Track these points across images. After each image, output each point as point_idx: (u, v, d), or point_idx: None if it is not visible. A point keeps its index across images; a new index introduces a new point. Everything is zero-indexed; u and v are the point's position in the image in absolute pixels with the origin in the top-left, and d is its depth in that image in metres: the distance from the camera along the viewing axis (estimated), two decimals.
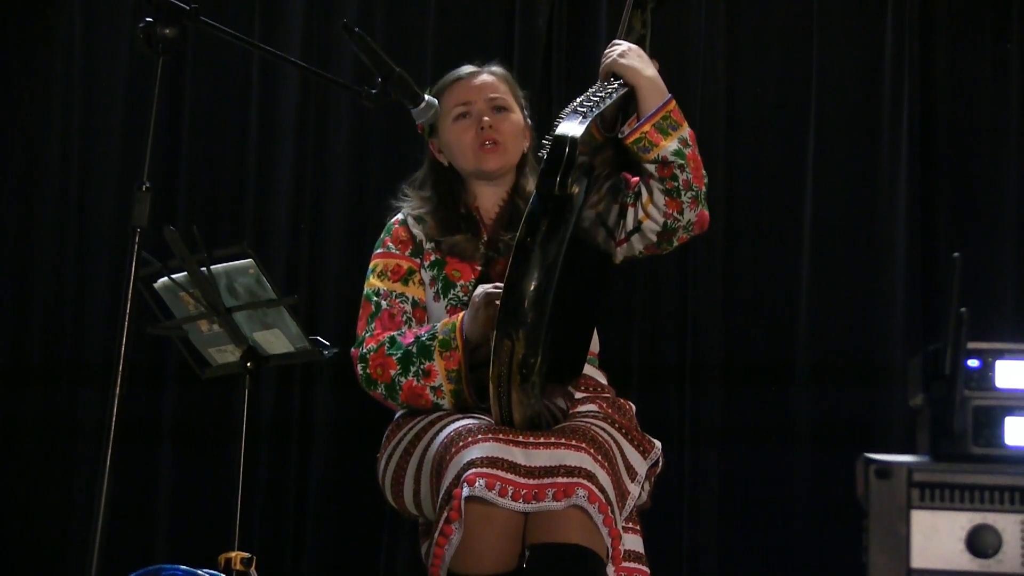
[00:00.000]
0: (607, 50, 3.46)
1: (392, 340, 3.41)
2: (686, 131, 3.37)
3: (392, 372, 3.37)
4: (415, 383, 3.35)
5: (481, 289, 3.33)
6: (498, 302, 3.14)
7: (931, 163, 5.24)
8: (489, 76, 3.69)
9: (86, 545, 2.63)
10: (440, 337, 3.35)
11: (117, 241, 5.29)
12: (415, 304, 3.54)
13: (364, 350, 3.44)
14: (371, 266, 3.61)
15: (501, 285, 3.21)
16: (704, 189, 3.39)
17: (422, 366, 3.35)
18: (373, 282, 3.57)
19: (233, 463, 3.69)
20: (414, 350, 3.37)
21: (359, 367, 3.44)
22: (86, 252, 5.36)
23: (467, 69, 3.71)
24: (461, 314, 3.37)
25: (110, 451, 2.66)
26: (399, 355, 3.38)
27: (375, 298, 3.54)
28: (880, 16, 5.29)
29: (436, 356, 3.34)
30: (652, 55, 3.48)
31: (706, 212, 3.43)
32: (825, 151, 5.26)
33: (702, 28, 5.33)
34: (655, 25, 3.55)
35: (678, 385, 5.17)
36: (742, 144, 5.32)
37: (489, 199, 3.66)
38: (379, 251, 3.63)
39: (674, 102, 3.38)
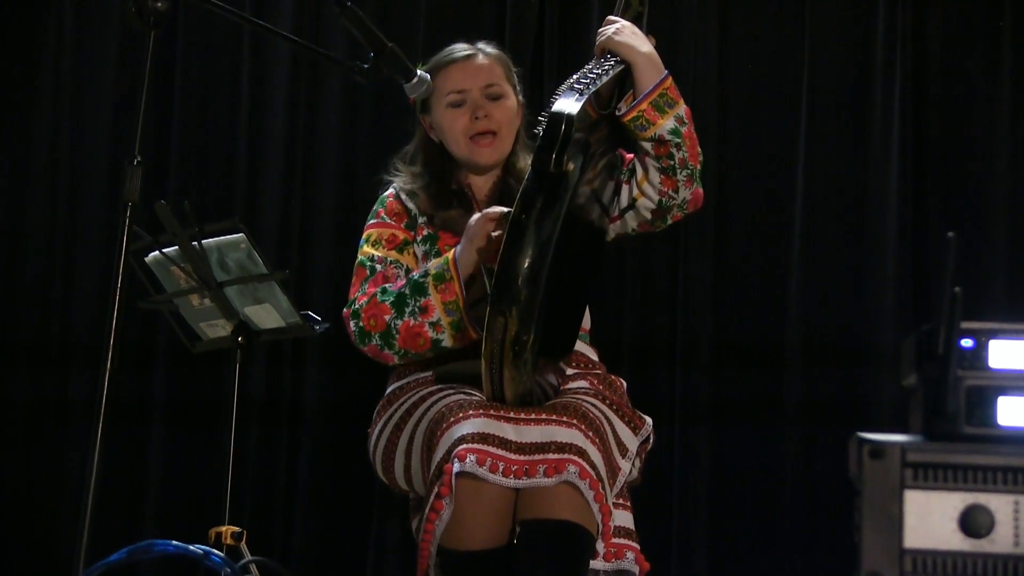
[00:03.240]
0: (602, 27, 3.45)
1: (383, 289, 3.40)
2: (682, 109, 3.36)
3: (387, 317, 3.36)
4: (412, 322, 3.33)
5: (476, 217, 3.33)
6: (497, 226, 3.18)
7: (923, 143, 5.25)
8: (484, 59, 3.66)
9: (77, 522, 2.63)
10: (433, 272, 3.34)
11: (107, 216, 5.28)
12: (408, 272, 3.52)
13: (356, 306, 3.42)
14: (365, 235, 3.60)
15: (499, 208, 3.21)
16: (699, 167, 3.39)
17: (418, 303, 3.33)
18: (367, 250, 3.56)
19: (224, 441, 3.68)
20: (407, 291, 3.35)
21: (351, 324, 3.42)
22: (76, 228, 5.35)
23: (462, 51, 3.67)
24: (453, 249, 3.37)
25: (101, 426, 2.66)
26: (392, 299, 3.36)
27: (369, 263, 3.52)
28: None
29: (431, 290, 3.32)
30: (648, 31, 3.47)
31: (700, 190, 3.43)
32: (817, 131, 5.26)
33: (694, 8, 5.32)
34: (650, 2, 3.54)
35: (669, 363, 5.18)
36: (734, 124, 5.32)
37: (481, 177, 3.66)
38: (373, 222, 3.62)
39: (671, 79, 3.37)
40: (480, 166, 3.62)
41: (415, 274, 3.39)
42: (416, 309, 3.33)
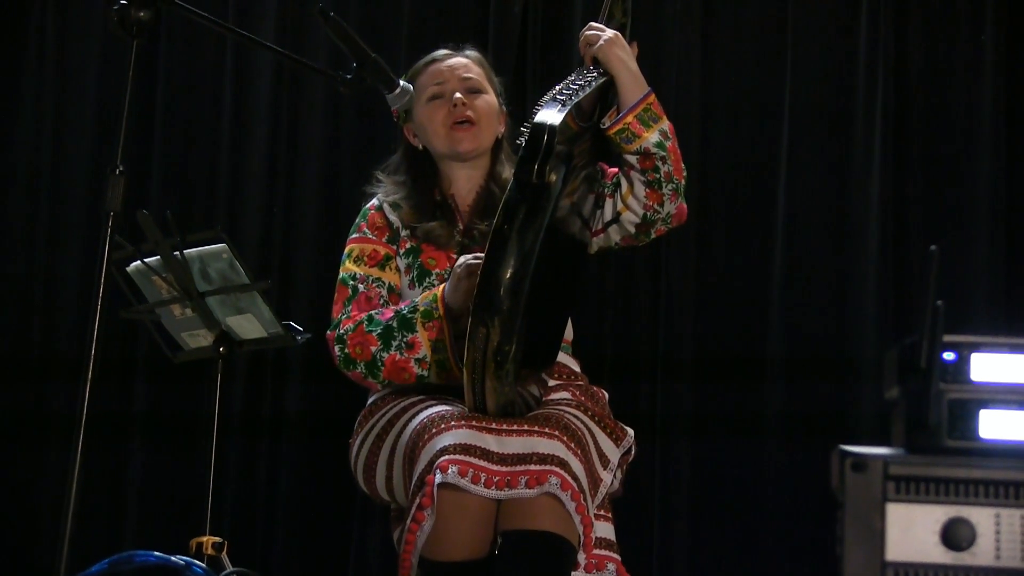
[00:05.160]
0: (588, 31, 3.45)
1: (370, 318, 3.40)
2: (666, 124, 3.37)
3: (373, 349, 3.36)
4: (398, 357, 3.34)
5: (463, 259, 3.33)
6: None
7: (904, 154, 5.24)
8: (463, 58, 3.70)
9: (57, 534, 2.62)
10: (422, 308, 3.34)
11: (89, 226, 5.26)
12: (391, 290, 3.53)
13: (341, 331, 3.42)
14: (347, 251, 3.60)
15: (482, 255, 3.21)
16: (683, 182, 3.40)
17: (405, 339, 3.33)
18: (349, 267, 3.56)
19: (205, 453, 3.68)
20: (395, 324, 3.35)
21: (336, 348, 3.42)
22: (57, 237, 5.33)
23: (442, 52, 3.71)
24: (441, 285, 3.37)
25: (82, 435, 2.65)
26: (379, 331, 3.36)
27: (352, 282, 3.53)
28: (855, 6, 5.29)
29: (419, 327, 3.32)
30: (631, 39, 3.48)
31: (684, 205, 3.44)
32: (799, 142, 5.25)
33: (677, 17, 5.32)
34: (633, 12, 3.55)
35: (650, 375, 5.17)
36: (716, 134, 5.31)
37: (464, 185, 3.65)
38: (355, 236, 3.61)
39: (654, 95, 3.38)
40: (460, 155, 3.61)
41: (404, 307, 3.39)
42: (403, 344, 3.34)
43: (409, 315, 3.35)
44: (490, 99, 3.66)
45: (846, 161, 5.24)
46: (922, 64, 5.30)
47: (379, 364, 3.36)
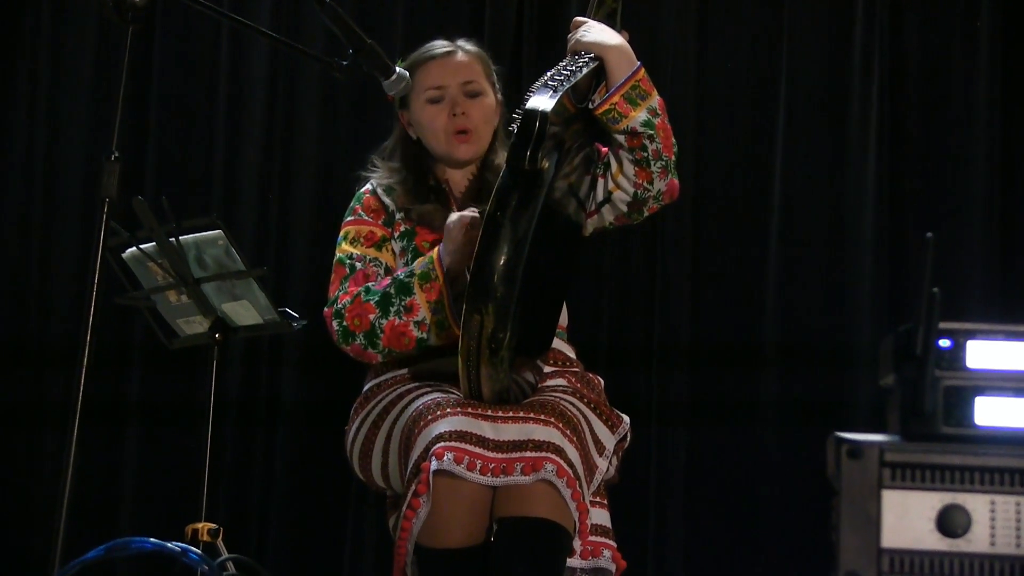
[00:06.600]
0: (570, 32, 3.45)
1: (367, 289, 3.40)
2: (655, 100, 3.36)
3: (371, 316, 3.35)
4: (397, 321, 3.33)
5: (454, 215, 3.33)
6: (474, 226, 3.15)
7: (900, 142, 5.24)
8: (463, 56, 3.65)
9: (53, 520, 2.62)
10: (418, 272, 3.34)
11: (85, 212, 5.26)
12: (388, 270, 3.52)
13: (339, 306, 3.41)
14: (343, 233, 3.59)
15: (474, 209, 3.21)
16: (674, 158, 3.38)
17: (403, 303, 3.33)
18: (346, 247, 3.54)
19: (200, 440, 3.67)
20: (392, 290, 3.35)
21: (334, 323, 3.41)
22: (53, 224, 5.33)
23: (441, 47, 3.66)
24: (437, 247, 3.36)
25: (77, 421, 2.65)
26: (377, 299, 3.36)
27: (349, 261, 3.51)
28: None
29: (416, 290, 3.32)
30: (624, 28, 3.47)
31: (676, 181, 3.42)
32: (794, 130, 5.25)
33: (673, 5, 5.31)
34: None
35: (646, 363, 5.17)
36: (711, 123, 5.31)
37: (458, 172, 3.65)
38: (350, 219, 3.60)
39: (643, 70, 3.36)
40: (459, 161, 3.62)
41: (400, 273, 3.39)
42: (401, 308, 3.33)
43: (406, 279, 3.35)
44: (489, 101, 3.64)
45: (842, 149, 5.24)
46: (919, 53, 5.29)
47: (378, 331, 3.35)
